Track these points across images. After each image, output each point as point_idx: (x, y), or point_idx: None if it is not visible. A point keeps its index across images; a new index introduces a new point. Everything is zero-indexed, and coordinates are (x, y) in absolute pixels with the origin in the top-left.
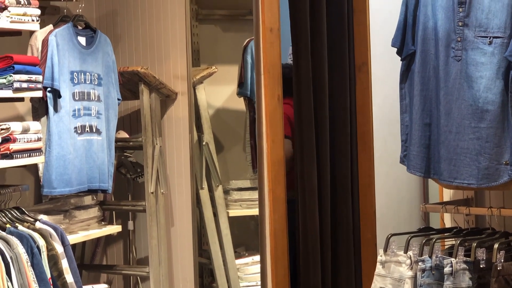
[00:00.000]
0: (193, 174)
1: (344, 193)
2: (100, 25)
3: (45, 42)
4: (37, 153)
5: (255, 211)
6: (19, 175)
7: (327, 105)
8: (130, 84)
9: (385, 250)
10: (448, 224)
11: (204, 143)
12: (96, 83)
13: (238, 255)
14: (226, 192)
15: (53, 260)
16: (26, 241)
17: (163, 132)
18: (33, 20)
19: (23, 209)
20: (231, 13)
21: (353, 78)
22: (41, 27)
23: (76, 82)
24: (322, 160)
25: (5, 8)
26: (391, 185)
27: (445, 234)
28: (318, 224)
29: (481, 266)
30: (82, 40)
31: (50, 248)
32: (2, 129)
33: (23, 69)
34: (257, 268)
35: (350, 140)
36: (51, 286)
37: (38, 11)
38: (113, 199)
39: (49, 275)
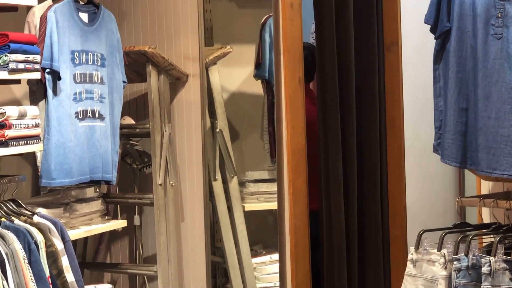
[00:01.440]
0: (205, 164)
1: (372, 185)
2: (103, 0)
3: (43, 19)
4: (35, 141)
5: (273, 205)
6: (15, 164)
7: (354, 88)
8: (136, 65)
9: (417, 248)
10: (486, 219)
11: (217, 130)
12: (99, 64)
13: (254, 253)
14: (242, 184)
15: (52, 257)
16: (23, 236)
17: (172, 118)
18: None
19: (20, 202)
20: None
21: (381, 58)
22: (39, 2)
23: (77, 62)
24: (348, 149)
25: None
26: (424, 176)
27: (483, 230)
28: (343, 220)
29: None
30: (84, 16)
31: (49, 244)
32: None
33: (20, 48)
34: (276, 267)
35: (379, 128)
36: (50, 286)
37: None
38: (117, 191)
39: (48, 274)
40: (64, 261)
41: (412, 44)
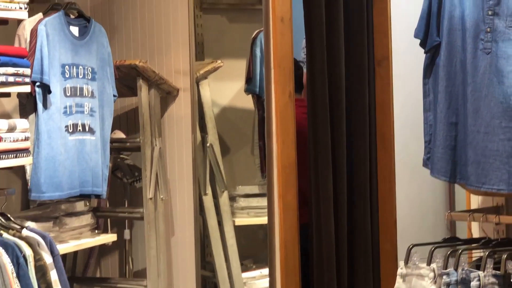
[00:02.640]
0: (196, 179)
1: (362, 199)
2: (94, 14)
3: (34, 32)
4: (25, 154)
5: (263, 220)
6: (5, 178)
7: (344, 103)
8: (127, 79)
9: (406, 262)
10: (476, 234)
11: (208, 144)
12: (89, 78)
13: (244, 268)
14: (232, 198)
15: (41, 271)
16: (11, 250)
17: (163, 132)
18: (21, 8)
19: (9, 216)
20: (239, 1)
21: (372, 73)
22: (29, 16)
23: (67, 76)
24: (339, 163)
25: None
26: (414, 191)
27: (473, 245)
28: (333, 234)
29: None
30: (75, 30)
31: (37, 258)
32: None
33: (10, 62)
34: (266, 282)
35: (369, 142)
36: None
37: None
38: (108, 205)
39: None
40: (53, 275)
41: (403, 60)
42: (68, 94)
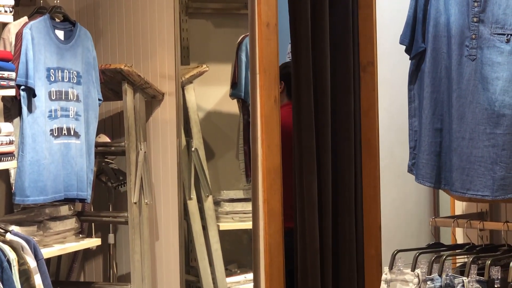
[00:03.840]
0: (180, 183)
1: (347, 205)
2: (80, 18)
3: (19, 36)
4: (9, 158)
5: (248, 225)
6: None
7: (329, 109)
8: (112, 83)
9: (391, 268)
10: (460, 240)
11: (193, 149)
12: (74, 82)
13: (229, 273)
14: (217, 203)
15: (25, 275)
16: None
17: (148, 137)
18: (6, 11)
19: None
20: (224, 6)
21: (357, 79)
22: (15, 19)
23: (52, 80)
24: (323, 169)
25: None
26: (398, 196)
27: (457, 250)
28: (318, 240)
29: (496, 286)
30: (60, 34)
31: (21, 262)
32: None
33: None
34: (250, 287)
35: (354, 147)
36: None
37: (11, 1)
38: (92, 210)
39: None
40: (37, 279)
41: (388, 66)
42: (53, 98)
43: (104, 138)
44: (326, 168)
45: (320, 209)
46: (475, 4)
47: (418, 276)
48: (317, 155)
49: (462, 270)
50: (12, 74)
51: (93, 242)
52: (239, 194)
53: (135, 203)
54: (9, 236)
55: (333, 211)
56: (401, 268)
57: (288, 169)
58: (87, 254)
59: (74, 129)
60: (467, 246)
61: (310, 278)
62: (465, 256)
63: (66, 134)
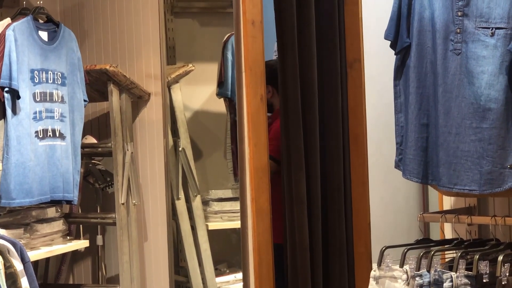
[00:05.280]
0: (168, 183)
1: (336, 203)
2: (64, 18)
3: (2, 37)
4: None
5: (237, 224)
6: None
7: (317, 105)
8: (97, 84)
9: (379, 265)
10: (448, 235)
11: (180, 149)
12: (59, 83)
13: (218, 273)
14: (205, 203)
15: (12, 278)
16: None
17: (134, 137)
18: None
19: None
20: (210, 5)
21: (344, 76)
22: None
23: (37, 81)
24: (312, 166)
25: None
26: (388, 193)
27: (445, 246)
28: (307, 238)
29: (484, 280)
30: (44, 35)
31: (8, 266)
32: None
33: None
34: (240, 286)
35: (342, 144)
36: None
37: None
38: (79, 211)
39: None
40: (24, 283)
41: (375, 62)
42: (38, 100)
43: (91, 139)
44: (314, 165)
45: (309, 206)
46: None
47: (406, 272)
48: (305, 152)
49: (450, 266)
50: None
51: (81, 244)
52: (228, 193)
53: (123, 204)
54: None
55: (323, 209)
56: (390, 265)
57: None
58: (75, 256)
59: (60, 130)
60: (455, 241)
61: (300, 276)
62: (454, 251)
63: (51, 135)
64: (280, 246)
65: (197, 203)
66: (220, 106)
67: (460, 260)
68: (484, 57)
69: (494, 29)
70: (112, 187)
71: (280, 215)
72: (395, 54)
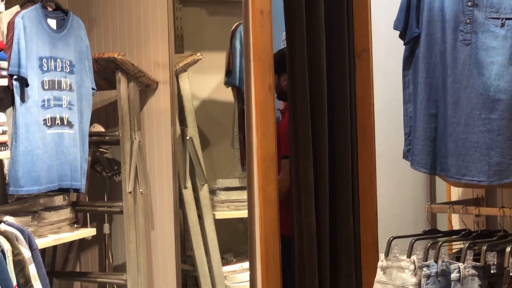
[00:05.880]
0: (175, 172)
1: (344, 193)
2: (72, 6)
3: (10, 25)
4: (2, 148)
5: (244, 213)
6: None
7: (325, 95)
8: (106, 72)
9: (387, 255)
10: (456, 226)
11: (188, 137)
12: (67, 71)
13: (225, 262)
14: (212, 192)
15: (20, 265)
16: None
17: (142, 126)
18: None
19: None
20: None
21: (352, 66)
22: (6, 8)
23: (45, 69)
24: (320, 156)
25: None
26: (395, 183)
27: (453, 236)
28: (315, 228)
29: (492, 271)
30: (52, 23)
31: (16, 253)
32: None
33: None
34: (246, 276)
35: (350, 135)
36: None
37: None
38: (87, 200)
39: (15, 282)
40: (32, 270)
41: (383, 52)
42: (46, 88)
43: (98, 128)
44: (322, 155)
45: (316, 197)
46: None
47: (414, 263)
48: (313, 143)
49: (458, 256)
50: (5, 64)
51: (88, 232)
52: (235, 182)
53: (130, 192)
54: (3, 227)
55: (330, 199)
56: (397, 255)
57: None
58: (82, 244)
59: (68, 118)
60: (463, 232)
61: (308, 266)
62: (461, 242)
63: (59, 124)
64: (287, 238)
65: (204, 192)
66: (228, 95)
67: (467, 251)
68: (493, 47)
69: (504, 19)
70: (119, 175)
71: (287, 207)
72: (404, 44)
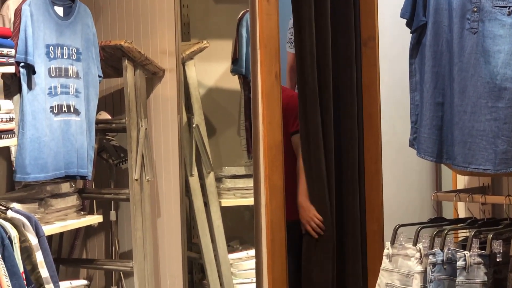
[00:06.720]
0: (182, 160)
1: (350, 180)
2: None
3: (18, 12)
4: (9, 135)
5: (250, 201)
6: None
7: (331, 84)
8: (112, 60)
9: (392, 243)
10: (462, 214)
11: (194, 125)
12: (74, 58)
13: (231, 249)
14: (219, 179)
15: (27, 252)
16: None
17: (149, 113)
18: None
19: None
20: None
21: (358, 54)
22: None
23: (52, 56)
24: (328, 144)
25: None
26: (400, 171)
27: (459, 225)
28: (328, 213)
29: (498, 259)
30: (59, 10)
31: (23, 240)
32: None
33: None
34: (252, 263)
35: (356, 123)
36: (24, 281)
37: None
38: (93, 187)
39: (21, 269)
40: (39, 256)
41: (390, 40)
42: (53, 75)
43: (105, 115)
44: (330, 144)
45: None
46: None
47: (420, 251)
48: (322, 130)
49: (464, 245)
50: (12, 51)
51: (95, 219)
52: (241, 170)
53: (136, 180)
54: (10, 214)
55: (337, 187)
56: (403, 243)
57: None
58: (89, 231)
59: (74, 106)
60: (469, 220)
61: (314, 253)
62: (467, 230)
63: (66, 111)
64: (293, 223)
65: (210, 179)
66: (234, 83)
67: (473, 239)
68: (500, 36)
69: (511, 8)
70: (125, 163)
71: (294, 192)
72: (411, 32)
